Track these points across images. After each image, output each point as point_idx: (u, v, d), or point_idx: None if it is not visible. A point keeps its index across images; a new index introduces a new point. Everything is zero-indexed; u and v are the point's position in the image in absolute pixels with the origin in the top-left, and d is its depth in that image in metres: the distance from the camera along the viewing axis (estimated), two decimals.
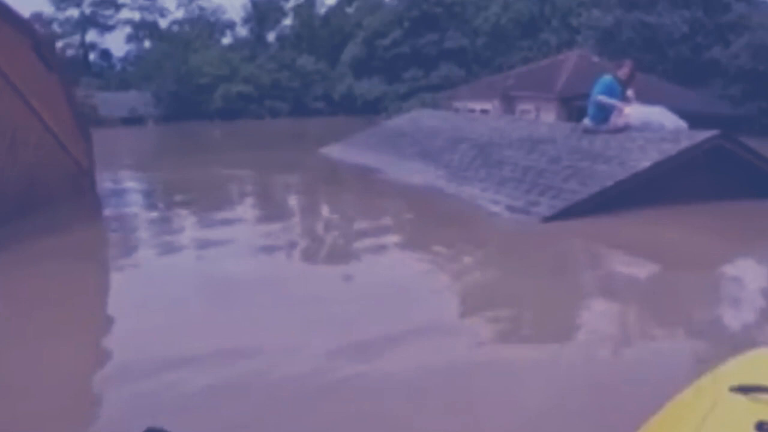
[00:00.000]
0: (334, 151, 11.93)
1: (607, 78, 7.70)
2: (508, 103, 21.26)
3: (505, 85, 21.79)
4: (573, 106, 14.53)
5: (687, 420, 1.40)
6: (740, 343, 2.02)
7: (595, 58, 21.94)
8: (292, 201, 8.25)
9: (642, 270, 4.92)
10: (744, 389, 1.38)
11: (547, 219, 5.84)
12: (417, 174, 8.61)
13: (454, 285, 4.27)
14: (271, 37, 43.11)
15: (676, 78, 28.89)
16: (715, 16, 33.09)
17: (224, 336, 3.30)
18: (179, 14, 43.77)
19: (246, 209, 7.55)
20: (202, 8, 43.55)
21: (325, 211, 7.64)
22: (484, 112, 20.84)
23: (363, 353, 3.04)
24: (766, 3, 35.64)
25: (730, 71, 30.12)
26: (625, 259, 5.26)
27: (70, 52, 37.81)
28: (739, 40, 30.47)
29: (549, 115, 18.52)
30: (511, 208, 6.34)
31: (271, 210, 7.51)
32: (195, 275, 4.57)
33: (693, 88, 28.46)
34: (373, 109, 29.38)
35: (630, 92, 7.66)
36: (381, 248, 5.44)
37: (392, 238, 5.88)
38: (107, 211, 7.36)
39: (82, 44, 41.72)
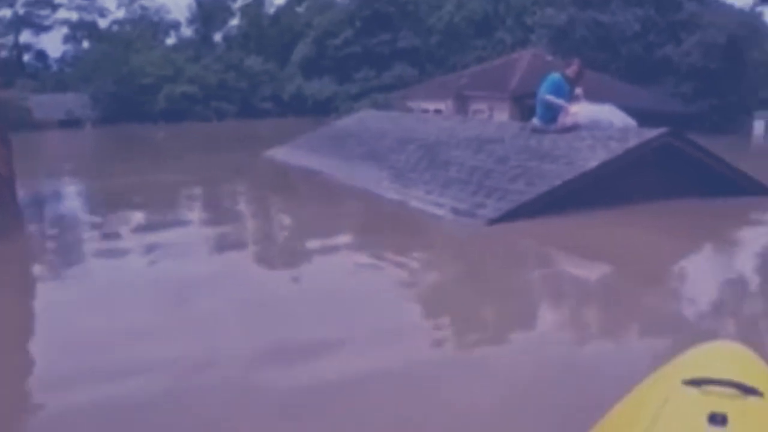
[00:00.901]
0: (279, 153, 11.69)
1: (554, 76, 7.70)
2: (462, 103, 21.35)
3: (459, 85, 21.89)
4: (526, 105, 14.60)
5: (642, 413, 1.44)
6: (692, 337, 2.00)
7: (549, 57, 22.25)
8: (231, 207, 7.98)
9: (589, 270, 4.89)
10: (696, 382, 1.44)
11: (493, 221, 5.73)
12: (362, 176, 8.45)
13: (394, 290, 4.14)
14: (217, 37, 42.76)
15: (629, 76, 29.57)
16: (667, 14, 34.02)
17: (162, 343, 3.22)
18: (120, 14, 43.08)
19: (184, 217, 7.24)
20: (144, 8, 42.86)
21: (266, 216, 7.40)
22: (437, 112, 20.86)
23: (301, 358, 3.01)
24: (717, 1, 36.88)
25: (681, 69, 30.99)
26: (572, 259, 5.20)
27: (2, 54, 36.52)
28: (691, 38, 31.38)
29: (502, 115, 18.66)
30: (455, 211, 6.21)
31: (209, 216, 7.24)
32: (134, 282, 4.43)
33: (646, 86, 29.18)
34: (323, 109, 29.24)
35: (578, 90, 7.66)
36: (318, 252, 5.30)
37: (330, 242, 5.69)
38: (32, 223, 6.96)
39: (16, 45, 40.39)
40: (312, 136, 12.36)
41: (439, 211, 6.34)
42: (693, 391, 1.44)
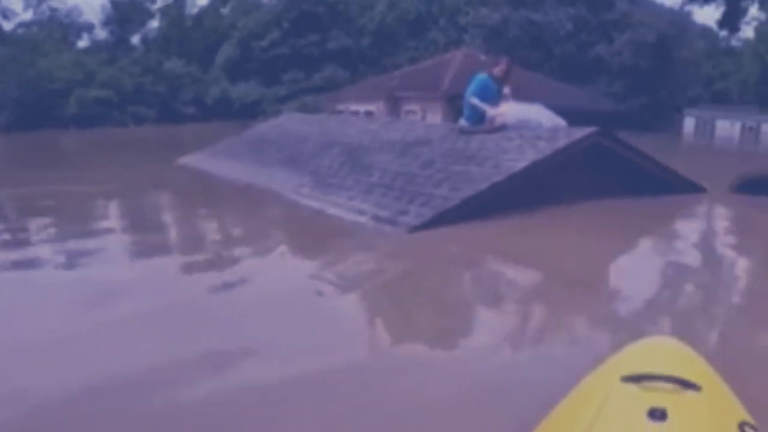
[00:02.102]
0: (195, 160, 11.25)
1: (481, 77, 7.66)
2: (394, 104, 21.33)
3: (390, 86, 21.85)
4: (459, 106, 14.60)
5: (583, 411, 1.49)
6: (628, 334, 2.09)
7: (482, 56, 22.44)
8: (137, 217, 7.50)
9: (518, 274, 4.82)
10: (635, 378, 1.49)
11: (415, 229, 5.53)
12: (281, 183, 8.16)
13: (301, 300, 3.95)
14: (135, 39, 41.48)
15: (562, 75, 30.33)
16: (599, 13, 35.19)
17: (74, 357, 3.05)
18: (27, 16, 41.18)
19: (85, 227, 6.73)
20: (53, 9, 41.31)
21: (172, 226, 6.98)
22: (368, 113, 20.76)
23: (222, 365, 2.97)
24: (647, 1, 38.41)
25: (613, 68, 32.11)
26: (497, 264, 5.09)
27: None
28: (622, 38, 32.55)
29: (435, 116, 18.70)
30: (376, 218, 5.99)
31: (110, 226, 6.76)
32: (34, 292, 4.17)
33: (579, 86, 30.00)
34: (250, 113, 28.79)
35: (507, 90, 7.65)
36: (227, 263, 5.04)
37: (240, 252, 5.41)
38: None
39: None
40: (231, 142, 12.00)
41: (361, 219, 6.12)
42: (632, 387, 1.49)
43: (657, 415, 1.39)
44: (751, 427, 1.48)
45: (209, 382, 2.77)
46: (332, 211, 6.56)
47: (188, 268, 4.91)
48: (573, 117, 7.83)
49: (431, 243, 5.36)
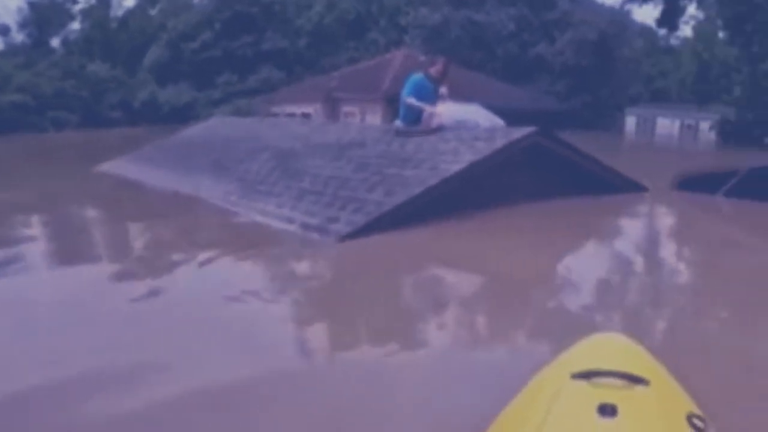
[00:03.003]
0: (116, 167, 10.84)
1: (417, 77, 7.59)
2: (332, 106, 21.20)
3: (329, 87, 21.71)
4: (398, 107, 14.55)
5: (534, 409, 1.53)
6: (576, 332, 2.00)
7: (422, 57, 22.52)
8: (48, 228, 7.07)
9: (454, 279, 4.73)
10: (584, 375, 1.54)
11: (346, 237, 5.35)
12: (206, 190, 7.88)
13: (216, 313, 3.80)
14: (55, 42, 40.04)
15: (504, 75, 30.83)
16: (541, 13, 35.94)
17: None
18: None
19: None
20: None
21: (91, 236, 6.63)
22: (306, 116, 20.57)
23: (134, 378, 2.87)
24: (588, 0, 39.48)
25: (555, 67, 32.83)
26: (433, 271, 4.93)
27: None
28: (564, 37, 33.31)
29: (375, 117, 18.66)
30: (305, 226, 5.79)
31: (23, 236, 6.35)
32: None
33: (521, 85, 30.56)
34: (181, 116, 28.13)
35: (443, 90, 7.57)
36: (144, 274, 4.86)
37: (157, 262, 5.20)
38: None
39: None
40: (157, 147, 11.64)
41: (289, 227, 5.91)
42: (582, 383, 1.54)
43: (607, 410, 1.43)
44: (699, 418, 1.55)
45: (122, 397, 2.69)
46: (259, 219, 6.33)
47: (100, 280, 4.67)
48: (515, 117, 7.84)
49: (361, 251, 5.19)
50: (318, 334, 3.59)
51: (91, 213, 8.05)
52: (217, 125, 11.96)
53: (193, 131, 12.08)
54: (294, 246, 5.40)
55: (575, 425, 1.47)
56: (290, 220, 6.05)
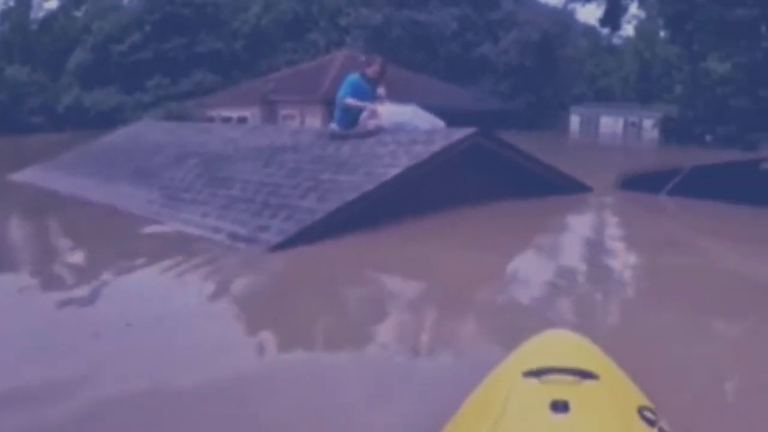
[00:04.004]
0: (31, 175, 10.34)
1: (353, 77, 7.48)
2: (270, 109, 20.92)
3: (266, 90, 21.41)
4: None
5: (488, 409, 1.58)
6: (525, 331, 2.03)
7: (363, 57, 22.49)
8: None
9: (398, 285, 4.64)
10: (535, 372, 1.59)
11: (276, 246, 5.14)
12: (126, 199, 7.56)
13: (136, 328, 3.64)
14: None
15: (447, 76, 31.11)
16: (484, 13, 36.39)
17: None
18: None
19: None
20: None
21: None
22: (242, 120, 20.26)
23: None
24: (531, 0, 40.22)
25: (499, 67, 33.28)
26: (375, 278, 4.82)
27: None
28: (508, 37, 33.79)
29: (315, 120, 18.48)
30: (233, 236, 5.56)
31: None
32: None
33: (465, 86, 30.90)
34: (109, 121, 27.29)
35: (381, 90, 7.46)
36: (49, 287, 4.70)
37: (67, 277, 4.97)
38: None
39: None
40: (78, 153, 11.18)
41: (216, 237, 5.66)
42: (533, 381, 1.59)
43: (559, 407, 1.47)
44: (650, 410, 1.60)
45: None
46: (183, 229, 6.05)
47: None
48: (458, 117, 7.83)
49: (292, 261, 5.01)
50: (243, 348, 3.45)
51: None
52: (143, 130, 11.59)
53: (117, 136, 11.65)
54: (218, 257, 5.15)
55: (529, 423, 1.51)
56: (216, 230, 5.81)
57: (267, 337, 3.60)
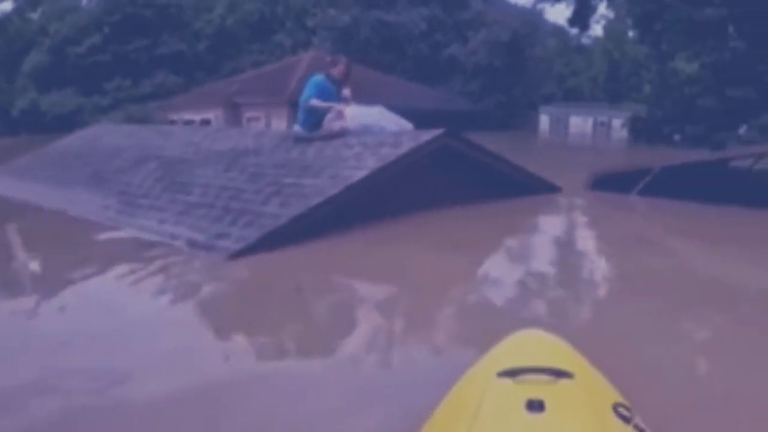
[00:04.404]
0: None
1: (317, 78, 7.37)
2: (234, 111, 20.70)
3: (229, 92, 21.17)
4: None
5: (464, 410, 1.62)
6: (493, 335, 2.05)
7: (330, 58, 22.41)
8: None
9: (367, 290, 4.60)
10: (510, 373, 1.64)
11: (236, 254, 5.00)
12: (81, 205, 7.35)
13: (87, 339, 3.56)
14: None
15: (416, 76, 31.16)
16: (453, 13, 36.54)
17: None
18: None
19: None
20: None
21: None
22: (205, 122, 20.02)
23: None
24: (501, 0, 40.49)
25: (468, 68, 33.45)
26: (341, 284, 4.75)
27: None
28: (477, 37, 33.98)
29: (281, 122, 18.32)
30: (192, 244, 5.40)
31: None
32: None
33: (434, 86, 31.00)
34: (67, 124, 26.76)
35: (346, 91, 7.37)
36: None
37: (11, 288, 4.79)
38: None
39: None
40: (33, 157, 10.89)
41: (174, 244, 5.50)
42: (508, 381, 1.61)
43: (535, 406, 1.49)
44: (625, 407, 1.63)
45: None
46: (139, 236, 5.87)
47: None
48: (428, 118, 7.80)
49: (252, 269, 4.88)
50: (204, 357, 3.34)
51: None
52: (101, 133, 11.32)
53: (73, 140, 11.37)
54: (174, 265, 4.99)
55: (505, 423, 1.52)
56: (174, 237, 5.65)
57: (230, 345, 3.52)
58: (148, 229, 6.01)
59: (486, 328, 3.41)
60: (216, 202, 6.14)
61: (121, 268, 4.92)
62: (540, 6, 38.25)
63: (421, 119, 7.60)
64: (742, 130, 21.84)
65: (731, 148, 17.79)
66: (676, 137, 23.91)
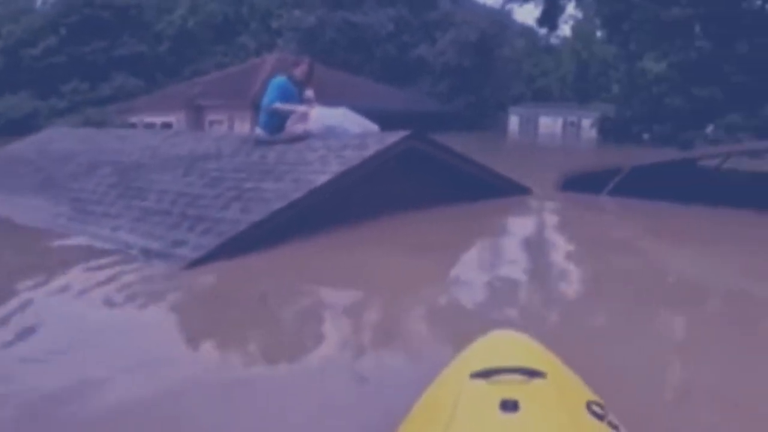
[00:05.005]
0: None
1: (279, 80, 7.28)
2: (197, 114, 20.45)
3: (191, 94, 20.90)
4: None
5: (438, 412, 1.65)
6: (468, 334, 2.08)
7: (292, 59, 22.30)
8: None
9: (332, 296, 4.50)
10: (484, 373, 1.67)
11: (193, 263, 4.83)
12: (30, 212, 7.11)
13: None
14: None
15: (384, 77, 31.19)
16: (421, 13, 36.66)
17: None
18: None
19: None
20: None
21: None
22: (166, 125, 19.76)
23: None
24: (469, 0, 40.72)
25: (437, 68, 33.61)
26: (305, 290, 4.58)
27: None
28: (445, 37, 34.15)
29: (244, 125, 18.18)
30: (146, 252, 5.22)
31: None
32: None
33: (402, 87, 31.05)
34: (23, 128, 26.20)
35: (309, 93, 7.27)
36: None
37: None
38: None
39: None
40: None
41: (130, 252, 5.31)
42: (481, 382, 1.64)
43: (509, 406, 1.52)
44: (598, 405, 1.66)
45: None
46: (92, 244, 5.66)
47: None
48: (395, 119, 7.74)
49: (210, 278, 4.71)
50: (161, 367, 3.22)
51: None
52: (54, 137, 11.02)
53: (24, 144, 11.04)
54: (125, 274, 4.80)
55: (480, 424, 1.54)
56: (128, 245, 5.45)
57: (191, 356, 3.42)
58: (101, 237, 5.80)
59: (457, 330, 3.45)
60: (173, 209, 5.97)
61: (70, 278, 4.74)
62: (508, 6, 38.70)
63: (389, 120, 7.55)
64: (709, 129, 22.25)
65: (699, 147, 18.10)
66: (645, 136, 24.27)
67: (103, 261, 5.16)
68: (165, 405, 2.80)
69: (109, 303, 4.22)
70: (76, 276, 4.82)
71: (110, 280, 4.65)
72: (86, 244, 5.74)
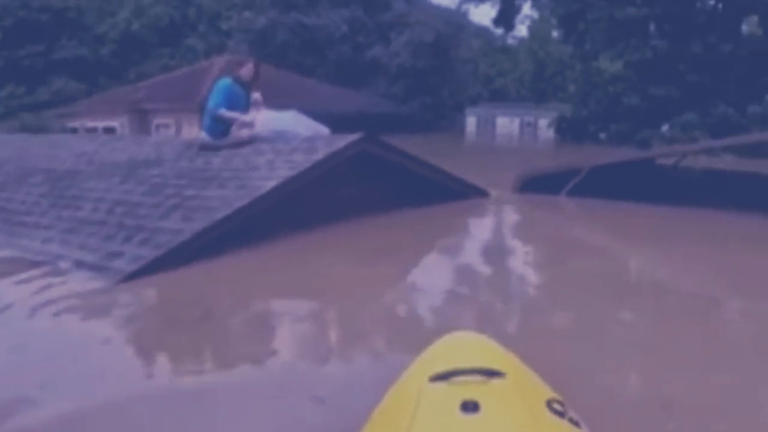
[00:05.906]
0: None
1: (224, 82, 7.09)
2: (142, 118, 20.08)
3: (135, 98, 20.50)
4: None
5: (399, 416, 1.67)
6: (426, 337, 2.11)
7: (237, 60, 22.06)
8: None
9: (283, 306, 4.44)
10: (443, 375, 1.70)
11: (130, 276, 4.61)
12: None
13: None
14: None
15: (338, 79, 31.13)
16: (375, 14, 36.68)
17: None
18: None
19: None
20: None
21: None
22: (109, 130, 19.34)
23: None
24: (424, 1, 40.91)
25: (391, 70, 33.66)
26: (253, 302, 4.48)
27: None
28: (400, 38, 34.22)
29: (192, 129, 17.85)
30: (79, 265, 4.97)
31: None
32: None
33: (357, 89, 31.02)
34: None
35: (257, 95, 7.11)
36: None
37: None
38: None
39: None
40: None
41: (62, 265, 5.05)
42: (441, 384, 1.68)
43: (470, 407, 1.55)
44: (558, 402, 1.70)
45: None
46: (20, 257, 5.38)
47: None
48: (350, 121, 7.60)
49: (148, 292, 4.53)
50: (93, 385, 3.07)
51: None
52: None
53: None
54: (53, 288, 4.56)
55: (441, 426, 1.57)
56: (59, 257, 5.19)
57: (129, 369, 3.32)
58: (30, 250, 5.52)
59: (415, 334, 3.42)
60: (109, 218, 5.72)
61: None
62: (464, 7, 38.94)
63: (343, 123, 7.46)
64: (665, 128, 22.66)
65: (655, 146, 18.39)
66: (602, 136, 24.64)
67: (32, 273, 4.92)
68: (102, 419, 2.72)
69: (37, 318, 4.02)
70: (2, 290, 4.57)
71: (38, 294, 4.43)
72: (14, 256, 5.47)
